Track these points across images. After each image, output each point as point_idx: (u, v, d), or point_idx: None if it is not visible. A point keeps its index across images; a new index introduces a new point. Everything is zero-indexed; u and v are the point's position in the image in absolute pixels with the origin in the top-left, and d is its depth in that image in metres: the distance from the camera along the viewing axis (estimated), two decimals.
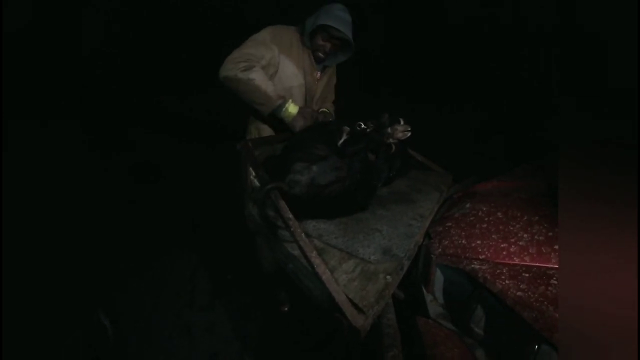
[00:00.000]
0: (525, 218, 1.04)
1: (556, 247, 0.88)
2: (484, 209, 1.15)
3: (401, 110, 1.44)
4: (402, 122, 1.34)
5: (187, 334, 1.67)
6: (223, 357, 1.57)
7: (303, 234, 0.93)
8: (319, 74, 1.56)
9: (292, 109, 1.35)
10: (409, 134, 1.36)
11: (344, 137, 1.25)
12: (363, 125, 1.29)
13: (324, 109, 1.63)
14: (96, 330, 1.39)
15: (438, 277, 1.08)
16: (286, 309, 1.76)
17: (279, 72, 1.40)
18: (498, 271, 0.88)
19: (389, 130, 1.33)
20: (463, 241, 1.03)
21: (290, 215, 0.96)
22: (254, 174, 1.20)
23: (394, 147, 1.30)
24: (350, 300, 0.83)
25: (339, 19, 1.37)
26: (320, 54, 1.46)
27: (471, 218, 1.13)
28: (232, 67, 1.26)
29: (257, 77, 1.28)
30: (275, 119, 1.39)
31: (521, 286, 0.82)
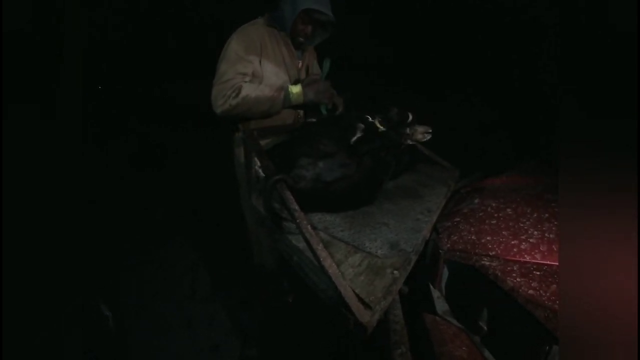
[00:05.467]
0: (536, 215, 1.03)
1: None
2: (493, 204, 1.13)
3: (408, 102, 1.39)
4: (410, 117, 1.29)
5: (188, 325, 1.66)
6: (224, 349, 1.56)
7: (309, 226, 0.91)
8: (300, 63, 1.41)
9: (295, 89, 1.28)
10: (430, 136, 1.30)
11: (358, 135, 1.21)
12: (371, 119, 1.26)
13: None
14: (97, 320, 1.38)
15: (446, 273, 1.05)
16: (291, 300, 1.74)
17: (263, 80, 1.29)
18: (509, 268, 0.86)
19: (408, 131, 1.27)
20: (472, 237, 1.01)
21: (297, 207, 0.93)
22: (259, 163, 1.17)
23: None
24: (357, 295, 0.81)
25: None
26: (301, 39, 1.32)
27: (480, 214, 1.10)
28: (223, 102, 1.19)
29: (249, 91, 1.21)
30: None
31: (533, 284, 0.80)
